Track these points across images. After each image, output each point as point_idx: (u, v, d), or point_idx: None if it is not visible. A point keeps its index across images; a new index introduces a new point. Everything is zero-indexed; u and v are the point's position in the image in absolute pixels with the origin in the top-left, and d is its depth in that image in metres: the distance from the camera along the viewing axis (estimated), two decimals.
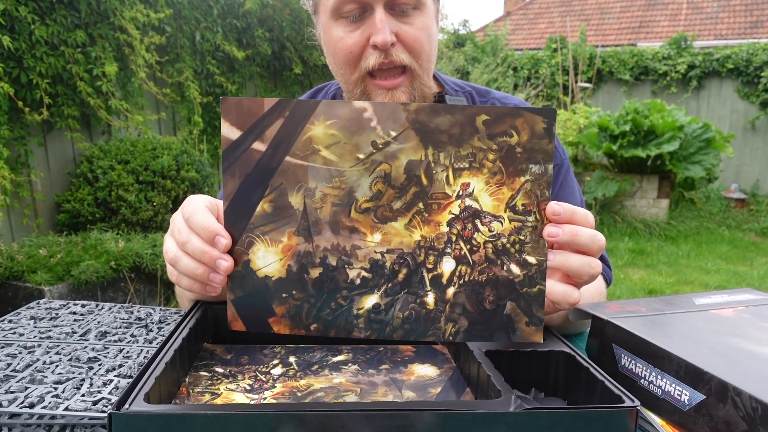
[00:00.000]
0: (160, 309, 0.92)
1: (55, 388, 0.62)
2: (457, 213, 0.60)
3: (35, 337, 0.78)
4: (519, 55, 9.91)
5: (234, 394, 0.60)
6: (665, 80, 9.02)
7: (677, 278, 4.76)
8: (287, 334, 0.63)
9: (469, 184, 0.59)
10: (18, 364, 0.68)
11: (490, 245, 0.60)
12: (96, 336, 0.79)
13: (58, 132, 3.80)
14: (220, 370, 0.66)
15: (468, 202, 0.60)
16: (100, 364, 0.69)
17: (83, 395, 0.61)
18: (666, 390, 0.63)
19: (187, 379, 0.63)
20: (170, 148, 3.91)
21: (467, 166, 0.59)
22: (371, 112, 0.58)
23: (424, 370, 0.69)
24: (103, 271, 3.07)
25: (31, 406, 0.58)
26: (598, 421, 0.50)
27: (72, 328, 0.81)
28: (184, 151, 4.01)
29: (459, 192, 0.60)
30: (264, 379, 0.64)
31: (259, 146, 0.59)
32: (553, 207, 0.60)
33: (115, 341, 0.77)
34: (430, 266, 0.60)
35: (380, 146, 0.59)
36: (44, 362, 0.69)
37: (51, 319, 0.86)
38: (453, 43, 10.69)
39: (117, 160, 3.69)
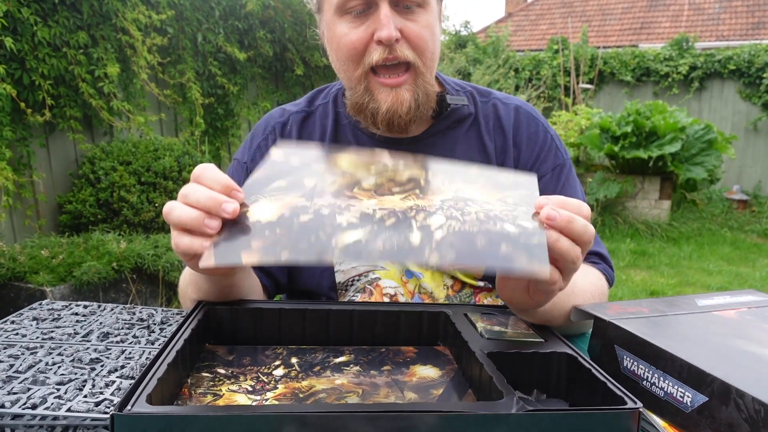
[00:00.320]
0: (162, 310, 0.92)
1: (58, 389, 0.62)
2: (450, 197, 0.64)
3: (37, 338, 0.78)
4: (520, 57, 9.91)
5: (236, 395, 0.60)
6: (667, 81, 9.01)
7: (679, 280, 4.76)
8: (255, 265, 0.64)
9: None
10: (20, 365, 0.68)
11: (482, 213, 0.61)
12: (98, 337, 0.79)
13: (60, 133, 3.81)
14: (222, 371, 0.66)
15: (461, 193, 0.66)
16: (102, 365, 0.69)
17: (85, 396, 0.61)
18: (668, 391, 0.63)
19: (189, 380, 0.63)
20: (172, 149, 3.91)
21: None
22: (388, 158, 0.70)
23: (426, 372, 0.69)
24: (104, 272, 3.08)
25: (34, 407, 0.58)
26: (600, 423, 0.50)
27: (74, 329, 0.81)
28: (186, 152, 4.02)
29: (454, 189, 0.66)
30: (266, 380, 0.64)
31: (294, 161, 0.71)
32: (541, 200, 0.61)
33: (117, 342, 0.77)
34: (419, 219, 0.59)
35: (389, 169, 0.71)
36: (46, 363, 0.69)
37: (53, 320, 0.86)
38: (454, 45, 10.69)
39: (119, 161, 3.69)
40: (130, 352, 0.74)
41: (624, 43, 12.29)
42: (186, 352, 0.62)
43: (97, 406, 0.59)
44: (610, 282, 1.00)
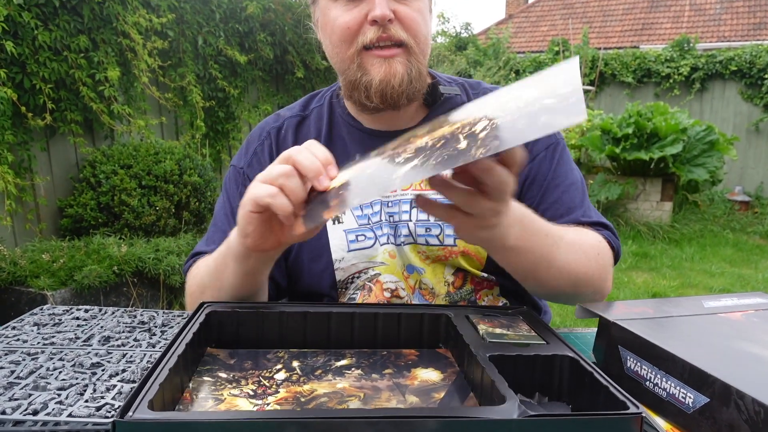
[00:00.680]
0: (163, 312, 0.92)
1: (59, 395, 0.62)
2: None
3: (39, 343, 0.78)
4: (521, 58, 9.91)
5: (238, 399, 0.60)
6: (668, 83, 9.01)
7: (681, 281, 4.75)
8: (333, 216, 0.72)
9: None
10: (22, 370, 0.68)
11: (522, 101, 0.60)
12: (99, 341, 0.79)
13: (61, 137, 3.81)
14: (223, 375, 0.66)
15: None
16: (103, 370, 0.69)
17: (87, 401, 0.61)
18: (671, 392, 0.63)
19: (190, 385, 0.63)
20: (173, 152, 3.92)
21: None
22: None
23: (428, 375, 0.68)
24: (105, 275, 3.08)
25: (35, 413, 0.58)
26: (602, 428, 0.50)
27: (75, 334, 0.81)
28: (187, 156, 4.02)
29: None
30: (267, 384, 0.64)
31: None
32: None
33: (118, 346, 0.77)
34: (465, 131, 0.60)
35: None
36: (48, 368, 0.69)
37: (54, 324, 0.86)
38: (455, 47, 10.70)
39: (120, 165, 3.70)
40: (131, 356, 0.74)
41: (625, 44, 12.30)
42: (188, 357, 0.62)
43: (98, 410, 0.59)
44: (615, 249, 1.00)
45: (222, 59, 4.94)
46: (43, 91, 3.46)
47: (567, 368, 0.65)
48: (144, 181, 3.67)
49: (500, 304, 1.06)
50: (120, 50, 3.92)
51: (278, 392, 0.62)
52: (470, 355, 0.65)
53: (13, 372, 0.67)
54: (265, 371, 0.67)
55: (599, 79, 9.27)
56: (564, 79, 0.58)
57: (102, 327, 0.85)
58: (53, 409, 0.58)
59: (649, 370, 0.67)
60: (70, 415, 0.57)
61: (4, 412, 0.57)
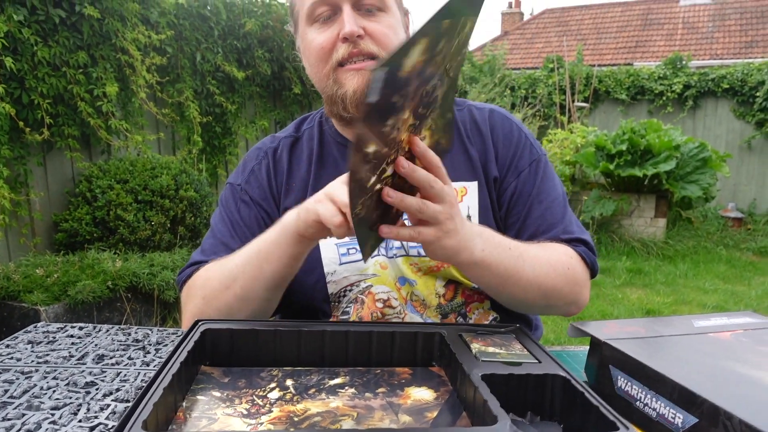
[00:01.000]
0: (158, 330, 0.92)
1: (52, 414, 0.62)
2: None
3: (32, 361, 0.78)
4: (516, 75, 10.00)
5: (231, 418, 0.60)
6: (661, 100, 9.09)
7: (675, 298, 4.75)
8: None
9: None
10: (15, 390, 0.68)
11: None
12: (93, 359, 0.79)
13: (57, 152, 3.82)
14: (217, 394, 0.66)
15: None
16: (97, 389, 0.69)
17: (80, 421, 0.61)
18: (660, 413, 0.64)
19: (184, 404, 0.63)
20: (169, 167, 3.92)
21: None
22: None
23: (421, 394, 0.69)
24: (99, 291, 3.06)
25: None
26: None
27: (69, 352, 0.81)
28: (183, 171, 4.02)
29: None
30: (261, 403, 0.64)
31: None
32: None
33: (112, 364, 0.77)
34: None
35: None
36: (41, 388, 0.69)
37: (48, 342, 0.86)
38: None
39: (116, 180, 3.70)
40: (125, 374, 0.74)
41: (619, 61, 12.44)
42: (182, 375, 0.63)
43: (92, 431, 0.59)
44: (589, 265, 1.02)
45: (220, 75, 4.97)
46: (41, 106, 3.47)
47: (559, 388, 0.66)
48: (140, 196, 3.67)
49: (491, 318, 1.07)
50: (118, 66, 3.94)
51: (271, 411, 0.62)
52: (463, 373, 0.65)
53: (6, 391, 0.68)
54: (258, 390, 0.68)
55: (593, 96, 9.35)
56: None
57: (96, 345, 0.85)
58: (47, 430, 0.58)
59: (640, 390, 0.67)
60: None
61: None
